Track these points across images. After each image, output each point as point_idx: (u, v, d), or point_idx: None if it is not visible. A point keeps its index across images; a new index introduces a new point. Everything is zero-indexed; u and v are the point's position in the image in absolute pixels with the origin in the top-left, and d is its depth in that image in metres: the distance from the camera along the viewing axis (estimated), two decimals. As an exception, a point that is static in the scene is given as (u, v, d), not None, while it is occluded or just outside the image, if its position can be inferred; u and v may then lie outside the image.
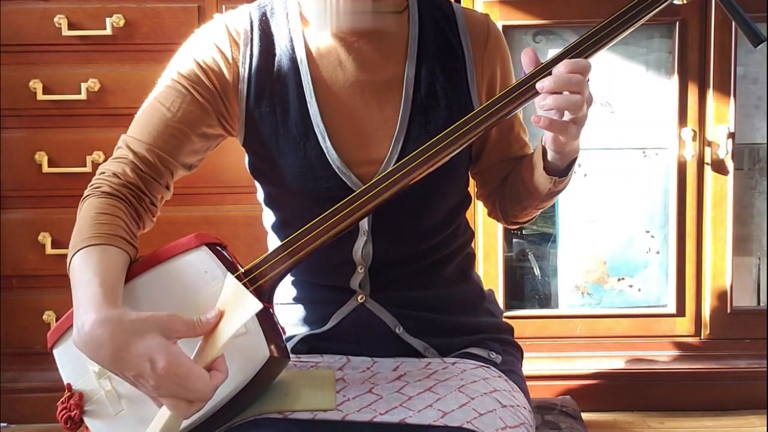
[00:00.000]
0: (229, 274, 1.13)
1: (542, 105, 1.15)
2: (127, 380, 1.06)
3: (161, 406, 1.06)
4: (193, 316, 1.09)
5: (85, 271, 1.10)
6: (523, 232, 2.36)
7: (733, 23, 1.83)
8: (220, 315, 1.10)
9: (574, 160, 1.27)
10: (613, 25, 1.21)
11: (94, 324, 1.04)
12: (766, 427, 2.13)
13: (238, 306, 1.10)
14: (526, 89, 1.19)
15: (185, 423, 1.08)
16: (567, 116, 1.16)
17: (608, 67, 2.20)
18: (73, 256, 1.13)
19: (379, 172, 1.24)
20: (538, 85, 1.16)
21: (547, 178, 1.27)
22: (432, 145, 1.19)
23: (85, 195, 1.23)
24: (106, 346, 1.04)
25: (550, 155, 1.25)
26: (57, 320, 1.86)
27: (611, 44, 1.22)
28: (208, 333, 1.09)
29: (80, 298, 1.08)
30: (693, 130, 2.18)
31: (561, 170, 1.27)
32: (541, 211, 1.41)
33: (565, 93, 1.14)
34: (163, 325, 1.06)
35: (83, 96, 2.12)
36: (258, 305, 1.08)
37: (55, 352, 1.18)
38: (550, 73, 1.16)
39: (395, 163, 1.21)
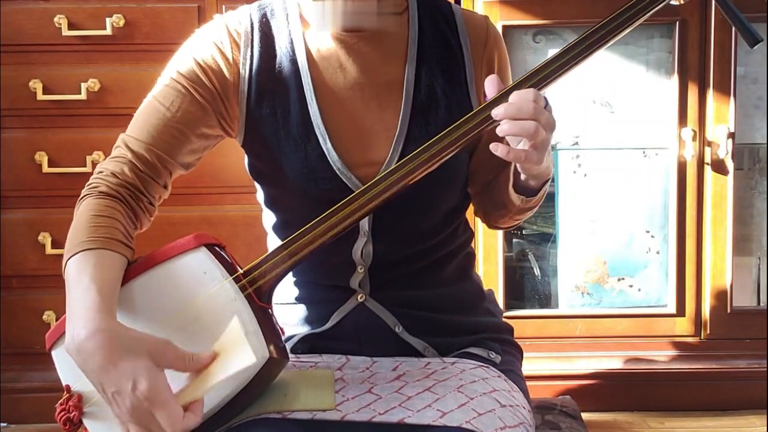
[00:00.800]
0: (235, 317, 1.11)
1: (501, 131, 1.15)
2: (104, 396, 1.05)
3: None
4: (192, 319, 1.09)
5: (81, 277, 1.09)
6: (523, 232, 2.36)
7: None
8: (214, 357, 1.09)
9: (547, 181, 1.27)
10: (609, 27, 1.21)
11: (89, 332, 1.04)
12: (766, 427, 2.13)
13: (235, 352, 1.08)
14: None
15: None
16: (523, 144, 1.15)
17: (608, 67, 2.20)
18: (69, 259, 1.13)
19: (379, 173, 1.24)
20: (493, 112, 1.15)
21: (517, 196, 1.29)
22: (430, 145, 1.19)
23: (82, 195, 1.23)
24: (97, 357, 1.03)
25: (522, 176, 1.26)
26: (57, 320, 1.86)
27: (608, 45, 1.22)
28: (197, 371, 1.09)
29: (75, 304, 1.07)
30: (693, 130, 2.18)
31: (532, 189, 1.28)
32: (521, 221, 1.41)
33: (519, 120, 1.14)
34: (155, 350, 1.05)
35: (83, 96, 2.12)
36: (254, 360, 1.07)
37: (53, 353, 1.17)
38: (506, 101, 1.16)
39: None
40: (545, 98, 1.17)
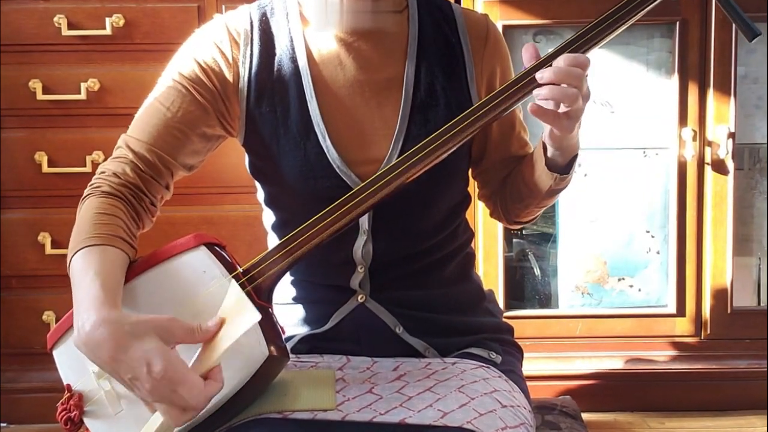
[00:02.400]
0: (233, 281, 1.13)
1: (538, 94, 1.16)
2: (123, 383, 1.06)
3: (154, 412, 1.06)
4: (192, 317, 1.09)
5: (86, 272, 1.10)
6: (523, 232, 2.36)
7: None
8: (221, 323, 1.09)
9: (575, 157, 1.27)
10: (608, 21, 1.21)
11: (94, 324, 1.04)
12: (766, 427, 2.13)
13: (238, 316, 1.09)
14: (526, 83, 1.19)
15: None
16: (562, 108, 1.16)
17: (608, 67, 2.20)
18: (72, 256, 1.13)
19: (379, 170, 1.24)
20: (538, 75, 1.16)
21: (549, 175, 1.27)
22: (429, 141, 1.19)
23: (84, 194, 1.23)
24: (105, 347, 1.04)
25: (549, 151, 1.25)
26: (57, 320, 1.86)
27: (606, 41, 1.22)
28: (207, 341, 1.09)
29: (81, 298, 1.08)
30: (693, 130, 2.18)
31: (562, 167, 1.27)
32: (542, 210, 1.41)
33: (563, 85, 1.14)
34: (162, 328, 1.05)
35: (83, 96, 2.12)
36: (257, 316, 1.08)
37: (54, 353, 1.17)
38: (550, 66, 1.16)
39: (394, 162, 1.22)
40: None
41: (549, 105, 1.17)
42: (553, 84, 1.14)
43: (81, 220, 1.18)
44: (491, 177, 1.41)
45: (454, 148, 1.19)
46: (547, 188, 1.30)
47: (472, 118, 1.18)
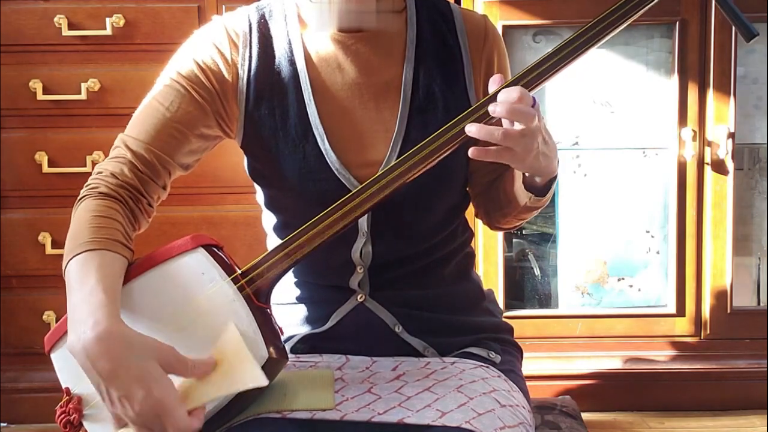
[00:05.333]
0: (231, 324, 1.11)
1: (493, 111, 1.13)
2: (108, 397, 1.05)
3: (121, 428, 1.06)
4: (190, 321, 1.09)
5: (86, 278, 1.09)
6: (523, 231, 2.36)
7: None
8: (215, 364, 1.09)
9: (553, 179, 1.27)
10: (603, 23, 1.21)
11: (97, 335, 1.03)
12: (766, 427, 2.13)
13: (237, 372, 1.08)
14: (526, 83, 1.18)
15: None
16: (517, 126, 1.14)
17: (608, 67, 2.19)
18: (70, 260, 1.12)
19: (377, 172, 1.24)
20: (490, 109, 1.14)
21: (525, 193, 1.28)
22: (428, 143, 1.18)
23: (81, 195, 1.22)
24: (105, 360, 1.03)
25: (526, 173, 1.25)
26: (57, 320, 1.86)
27: (602, 42, 1.22)
28: (196, 377, 1.08)
29: (80, 305, 1.07)
30: (693, 130, 2.18)
31: (540, 188, 1.27)
32: (522, 222, 1.41)
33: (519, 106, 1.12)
34: (162, 354, 1.05)
35: (83, 96, 2.12)
36: (264, 381, 1.07)
37: (52, 356, 1.17)
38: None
39: (393, 165, 1.21)
40: (534, 98, 1.16)
41: (506, 123, 1.14)
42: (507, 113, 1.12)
43: (78, 223, 1.17)
44: (479, 178, 1.40)
45: (453, 149, 1.19)
46: (523, 204, 1.30)
47: (471, 119, 1.18)
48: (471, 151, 1.14)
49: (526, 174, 1.25)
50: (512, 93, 1.13)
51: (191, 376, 1.08)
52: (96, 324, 1.04)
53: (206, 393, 1.08)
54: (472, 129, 1.13)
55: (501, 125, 1.14)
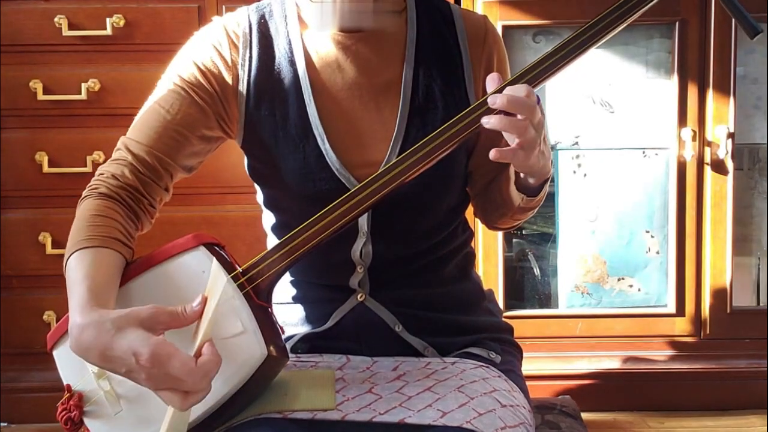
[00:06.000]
0: (215, 260, 1.13)
1: (489, 125, 1.13)
2: (125, 377, 1.05)
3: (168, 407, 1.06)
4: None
5: (77, 274, 1.10)
6: (523, 232, 2.36)
7: (733, 21, 1.84)
8: (204, 301, 1.09)
9: (547, 180, 1.27)
10: (603, 23, 1.21)
11: (80, 328, 1.04)
12: (766, 427, 2.13)
13: (214, 286, 1.10)
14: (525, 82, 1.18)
15: (192, 417, 1.08)
16: (512, 141, 1.15)
17: (608, 67, 2.20)
18: (68, 258, 1.13)
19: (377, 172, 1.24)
20: (489, 100, 1.14)
21: (518, 194, 1.28)
22: (427, 142, 1.18)
23: (82, 196, 1.23)
24: (93, 348, 1.04)
25: (521, 174, 1.26)
26: (57, 320, 1.87)
27: (602, 42, 1.22)
28: (195, 321, 1.08)
29: (70, 302, 1.08)
30: (693, 130, 2.19)
31: (533, 188, 1.27)
32: (519, 222, 1.41)
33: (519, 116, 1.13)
34: (144, 318, 1.05)
35: (83, 96, 2.12)
36: (224, 277, 1.08)
37: (54, 353, 1.17)
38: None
39: (392, 165, 1.21)
40: (537, 96, 1.17)
41: (509, 139, 1.15)
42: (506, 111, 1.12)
43: (77, 223, 1.18)
44: (477, 177, 1.40)
45: (452, 149, 1.19)
46: (517, 205, 1.30)
47: (470, 118, 1.18)
48: (492, 153, 1.13)
49: (521, 175, 1.26)
50: (519, 89, 1.13)
51: (188, 322, 1.08)
52: (77, 319, 1.05)
53: (202, 327, 1.07)
54: (494, 122, 1.12)
55: (500, 134, 1.14)
